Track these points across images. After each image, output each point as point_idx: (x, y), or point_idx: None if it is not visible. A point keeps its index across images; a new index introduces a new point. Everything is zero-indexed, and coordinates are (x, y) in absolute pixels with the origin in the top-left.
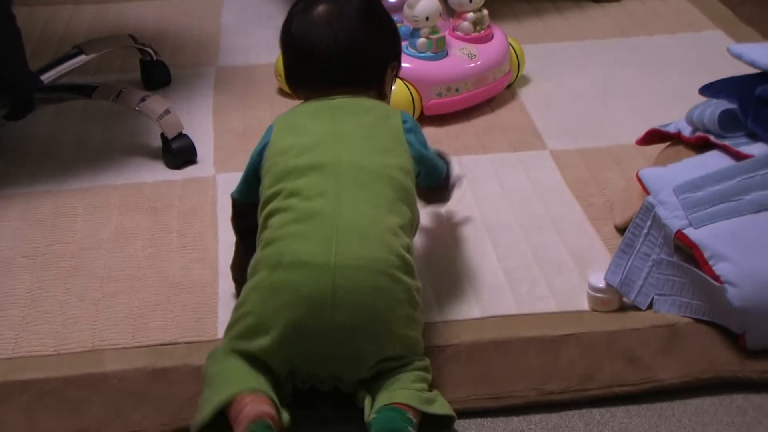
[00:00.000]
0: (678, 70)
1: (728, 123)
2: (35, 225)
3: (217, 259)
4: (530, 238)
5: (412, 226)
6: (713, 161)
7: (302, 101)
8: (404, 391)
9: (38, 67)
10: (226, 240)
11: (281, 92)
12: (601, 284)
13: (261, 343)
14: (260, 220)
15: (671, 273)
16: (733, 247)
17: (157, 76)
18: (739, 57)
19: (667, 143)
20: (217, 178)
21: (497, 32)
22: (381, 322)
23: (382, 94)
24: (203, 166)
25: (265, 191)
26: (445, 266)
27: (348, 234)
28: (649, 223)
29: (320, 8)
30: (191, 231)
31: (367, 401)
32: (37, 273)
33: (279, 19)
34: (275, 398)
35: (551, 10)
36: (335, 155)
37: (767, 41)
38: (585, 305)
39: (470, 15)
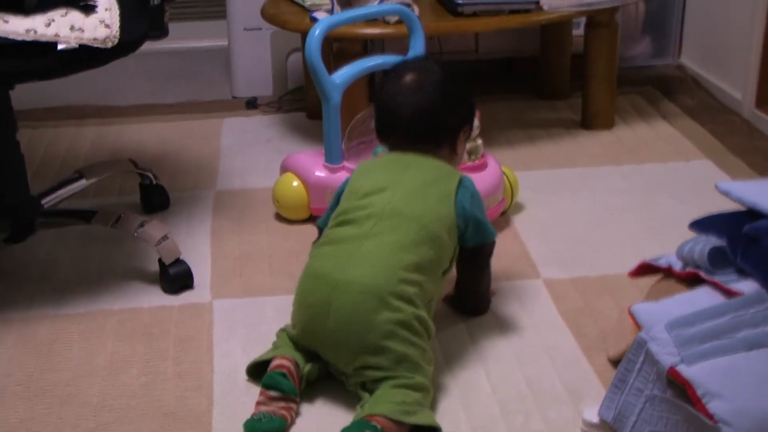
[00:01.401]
0: (669, 197)
1: (718, 260)
2: (31, 351)
3: (212, 388)
4: (524, 368)
5: (431, 268)
6: (704, 297)
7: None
8: (384, 404)
9: (39, 192)
10: (222, 368)
11: (278, 217)
12: (595, 420)
13: (294, 332)
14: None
15: (665, 410)
16: (727, 385)
17: (156, 199)
18: (727, 194)
19: (659, 276)
20: (214, 304)
21: (491, 161)
22: (359, 334)
23: (454, 153)
24: (200, 292)
25: (330, 221)
26: (439, 396)
27: (362, 260)
28: (641, 358)
29: (408, 78)
30: (187, 358)
31: (359, 407)
32: (30, 401)
33: (277, 142)
34: (298, 359)
35: (544, 137)
36: (386, 201)
37: (754, 172)
38: None
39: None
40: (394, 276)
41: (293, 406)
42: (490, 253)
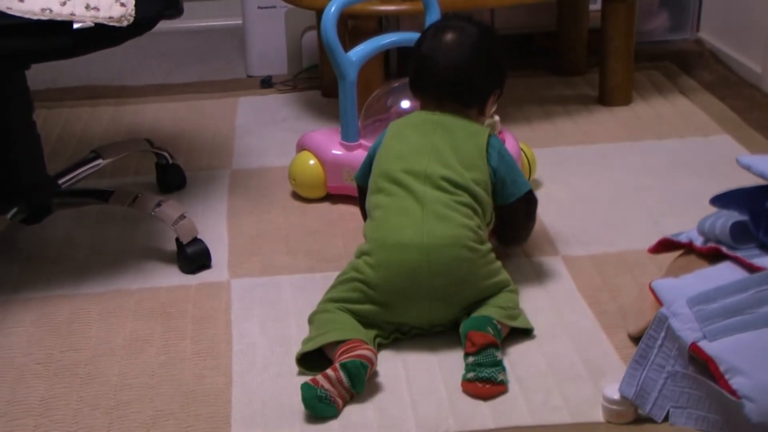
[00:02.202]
0: (688, 174)
1: (740, 235)
2: (50, 331)
3: (231, 367)
4: (543, 346)
5: (484, 215)
6: (726, 273)
7: (417, 111)
8: (491, 308)
9: (56, 172)
10: (240, 347)
11: (295, 196)
12: (616, 396)
13: (369, 307)
14: (368, 207)
15: (686, 386)
16: (750, 361)
17: (172, 179)
18: (748, 168)
19: (679, 252)
20: (231, 283)
21: (509, 138)
22: (467, 282)
23: (482, 114)
24: (217, 271)
25: (371, 184)
26: (458, 374)
27: (432, 221)
28: (662, 334)
29: (447, 35)
30: (205, 337)
31: (463, 321)
32: (50, 380)
33: (292, 121)
34: (375, 351)
35: (562, 114)
36: (424, 165)
37: None
38: (600, 417)
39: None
40: (465, 226)
41: (348, 398)
42: (525, 207)
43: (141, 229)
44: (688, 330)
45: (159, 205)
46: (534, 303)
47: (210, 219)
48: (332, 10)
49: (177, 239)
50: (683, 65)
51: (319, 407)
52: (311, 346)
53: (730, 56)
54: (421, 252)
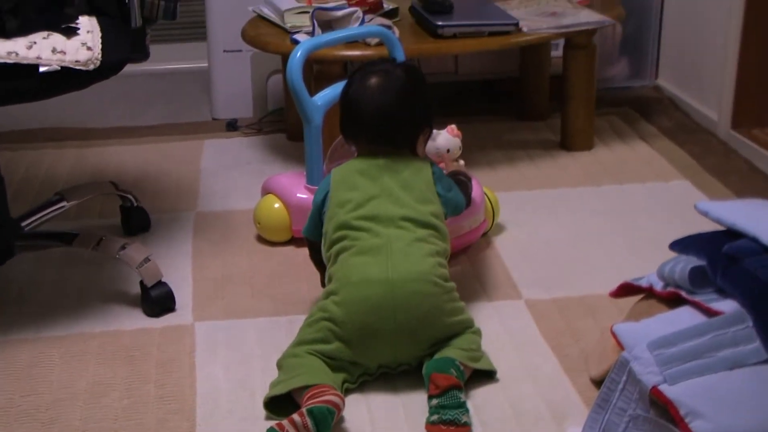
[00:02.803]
0: (649, 218)
1: (698, 279)
2: (11, 375)
3: (195, 411)
4: (507, 389)
5: (445, 252)
6: (685, 317)
7: (354, 158)
8: (454, 350)
9: (19, 214)
10: (204, 390)
11: (260, 239)
12: None
13: (337, 345)
14: (327, 257)
15: (648, 429)
16: (709, 405)
17: (137, 221)
18: (705, 214)
19: (640, 296)
20: (196, 326)
21: (473, 182)
22: (432, 317)
23: (414, 153)
24: (182, 314)
25: (329, 235)
26: (423, 416)
27: (397, 257)
28: (624, 378)
29: (371, 80)
30: (169, 381)
31: (427, 361)
32: (11, 426)
33: (258, 164)
34: (342, 397)
35: (524, 159)
36: (383, 208)
37: (731, 192)
38: None
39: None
40: (430, 262)
41: None
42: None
43: (105, 272)
44: (649, 374)
45: (123, 248)
46: (497, 346)
47: (175, 262)
48: (298, 54)
49: (141, 282)
50: (643, 111)
51: None
52: (279, 390)
53: (687, 103)
54: (386, 287)
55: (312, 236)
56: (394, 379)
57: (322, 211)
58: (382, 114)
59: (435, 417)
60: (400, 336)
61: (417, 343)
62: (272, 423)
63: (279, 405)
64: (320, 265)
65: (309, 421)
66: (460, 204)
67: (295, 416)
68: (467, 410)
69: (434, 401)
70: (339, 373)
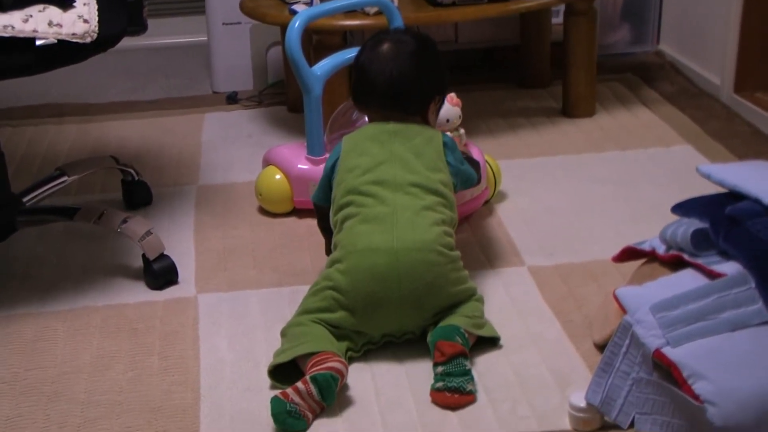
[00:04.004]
0: (651, 184)
1: (701, 242)
2: (16, 349)
3: (199, 382)
4: (510, 356)
5: (451, 221)
6: (688, 280)
7: (367, 122)
8: (459, 317)
9: (20, 190)
10: (208, 362)
11: (261, 211)
12: (582, 404)
13: (342, 314)
14: (334, 222)
15: (651, 392)
16: (712, 366)
17: (138, 195)
18: (707, 177)
19: (642, 260)
20: (199, 298)
21: (474, 150)
22: (436, 286)
23: (426, 121)
24: (184, 287)
25: (337, 200)
26: (427, 384)
27: (403, 226)
28: (627, 341)
29: (384, 47)
30: (172, 353)
31: (432, 329)
32: (16, 399)
33: (258, 137)
34: (346, 363)
35: (526, 126)
36: (392, 173)
37: (734, 156)
38: (567, 425)
39: (448, 134)
40: (436, 231)
41: (318, 411)
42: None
43: (107, 246)
44: (651, 336)
45: (125, 221)
46: (500, 313)
47: (177, 235)
48: (296, 25)
49: (143, 255)
50: (645, 77)
51: (288, 421)
52: (283, 358)
53: (689, 68)
54: (390, 256)
55: (321, 202)
56: (398, 348)
57: (331, 177)
58: (394, 80)
59: (440, 384)
60: (405, 305)
61: (421, 312)
62: (277, 392)
63: (283, 373)
64: (327, 232)
65: (313, 389)
66: (471, 177)
67: (299, 384)
68: (472, 378)
69: (439, 368)
70: (343, 341)
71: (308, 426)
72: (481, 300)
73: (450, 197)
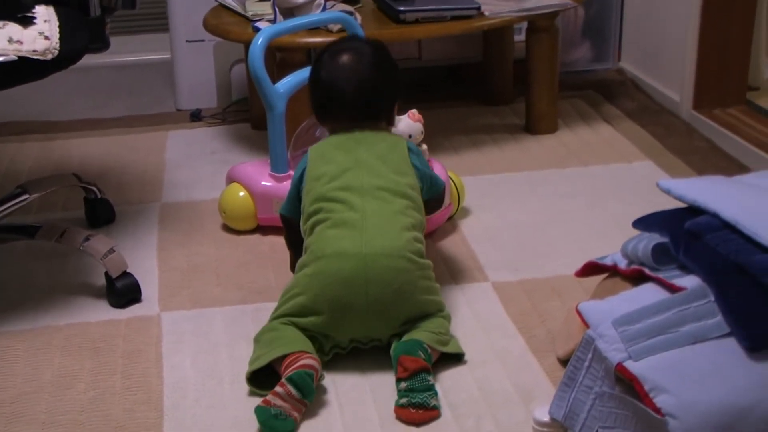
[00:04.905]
0: (613, 199)
1: (661, 256)
2: None
3: (162, 401)
4: (474, 371)
5: (421, 225)
6: (649, 294)
7: (330, 135)
8: (422, 332)
9: None
10: (171, 380)
11: (225, 228)
12: (546, 418)
13: (311, 319)
14: (305, 230)
15: (614, 406)
16: (673, 379)
17: (101, 213)
18: (668, 192)
19: (605, 275)
20: (162, 316)
21: (437, 167)
22: (405, 293)
23: (390, 123)
24: (148, 305)
25: (306, 209)
26: (391, 400)
27: (372, 231)
28: (590, 356)
29: (344, 57)
30: (135, 372)
31: (395, 343)
32: None
33: (222, 154)
34: (318, 359)
35: (489, 143)
36: (359, 179)
37: (693, 171)
38: None
39: None
40: (406, 237)
41: (303, 409)
42: (442, 199)
43: (69, 264)
44: (614, 350)
45: (87, 239)
46: (465, 329)
47: (140, 252)
48: (260, 42)
49: (106, 273)
50: (606, 94)
51: (276, 425)
52: (258, 364)
53: (649, 85)
54: (359, 261)
55: (289, 213)
56: (362, 361)
57: (300, 187)
58: (364, 89)
59: (404, 400)
60: (371, 311)
61: (388, 320)
62: (257, 401)
63: (261, 379)
64: (294, 247)
65: (291, 389)
66: (437, 181)
67: (278, 388)
68: (436, 393)
69: (403, 384)
70: (314, 343)
71: (297, 425)
72: (447, 317)
73: (418, 200)
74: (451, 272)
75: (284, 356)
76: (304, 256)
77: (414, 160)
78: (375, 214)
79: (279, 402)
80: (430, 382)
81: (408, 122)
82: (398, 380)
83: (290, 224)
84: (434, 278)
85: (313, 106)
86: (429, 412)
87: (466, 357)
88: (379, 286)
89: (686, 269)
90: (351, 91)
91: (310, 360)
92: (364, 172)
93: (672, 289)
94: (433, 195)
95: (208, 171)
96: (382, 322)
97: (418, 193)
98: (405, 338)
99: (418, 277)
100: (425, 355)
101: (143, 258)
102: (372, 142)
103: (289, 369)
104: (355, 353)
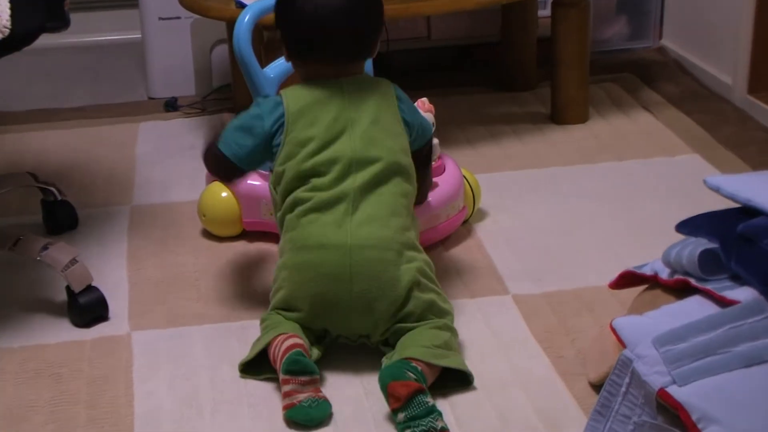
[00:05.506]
0: (652, 200)
1: (709, 264)
2: None
3: None
4: (493, 397)
5: (411, 198)
6: (696, 308)
7: (307, 80)
8: (410, 349)
9: None
10: (143, 410)
11: (206, 234)
12: None
13: (294, 314)
14: (281, 203)
15: None
16: (725, 408)
17: (61, 218)
18: (717, 190)
19: (644, 286)
20: (133, 336)
21: (449, 164)
22: (390, 287)
23: (372, 56)
24: (116, 323)
25: (286, 177)
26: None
27: (362, 220)
28: (627, 380)
29: None
30: (102, 401)
31: (386, 358)
32: None
33: (201, 149)
34: (305, 337)
35: (509, 134)
36: (350, 148)
37: (748, 166)
38: None
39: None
40: (397, 226)
41: (320, 385)
42: (430, 149)
43: (25, 277)
44: (655, 374)
45: (46, 248)
46: (481, 348)
47: (107, 263)
48: (246, 19)
49: (68, 287)
50: (645, 77)
51: (314, 413)
52: (248, 357)
53: (697, 66)
54: (343, 255)
55: (239, 163)
56: (363, 393)
57: (271, 142)
58: (356, 20)
59: None
60: (356, 307)
61: (375, 317)
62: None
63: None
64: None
65: (296, 377)
66: (425, 127)
67: (285, 386)
68: (440, 413)
69: (400, 415)
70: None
71: (329, 402)
72: (446, 327)
73: (410, 167)
74: (466, 283)
75: (268, 345)
76: (283, 241)
77: (404, 113)
78: (364, 192)
79: (300, 395)
80: (430, 404)
81: None
82: (394, 412)
83: (230, 169)
84: (430, 275)
85: (290, 45)
86: None
87: (484, 381)
88: (364, 280)
89: (739, 279)
90: (339, 23)
91: (293, 339)
92: (357, 140)
93: (722, 302)
94: (421, 144)
95: (186, 168)
96: (368, 319)
97: (409, 155)
98: (386, 363)
99: (411, 272)
100: (416, 374)
101: (111, 269)
102: (361, 98)
103: (278, 360)
104: (355, 352)
